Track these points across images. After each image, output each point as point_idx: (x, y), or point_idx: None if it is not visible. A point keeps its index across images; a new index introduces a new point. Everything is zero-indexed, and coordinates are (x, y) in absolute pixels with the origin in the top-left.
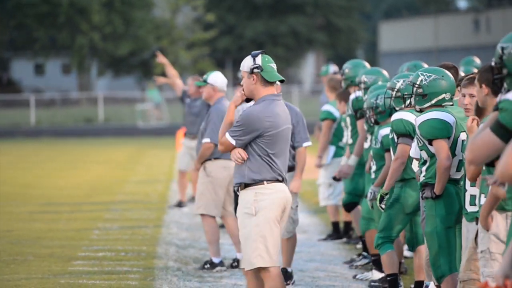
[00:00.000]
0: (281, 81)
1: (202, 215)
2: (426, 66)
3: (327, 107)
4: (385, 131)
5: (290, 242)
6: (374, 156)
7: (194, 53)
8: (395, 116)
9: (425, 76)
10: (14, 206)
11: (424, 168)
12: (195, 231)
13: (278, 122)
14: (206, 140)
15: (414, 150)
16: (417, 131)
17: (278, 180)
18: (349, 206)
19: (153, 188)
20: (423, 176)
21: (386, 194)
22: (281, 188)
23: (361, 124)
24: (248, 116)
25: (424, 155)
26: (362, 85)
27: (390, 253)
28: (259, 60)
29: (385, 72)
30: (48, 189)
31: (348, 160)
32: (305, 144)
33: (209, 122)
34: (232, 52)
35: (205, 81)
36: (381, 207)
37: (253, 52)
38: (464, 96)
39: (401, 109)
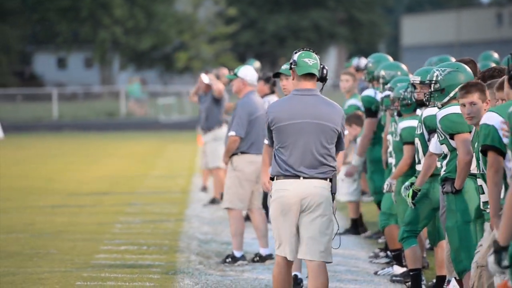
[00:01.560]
0: (321, 79)
1: (228, 209)
2: (453, 60)
3: (353, 101)
4: (404, 123)
5: None
6: (394, 149)
7: (216, 47)
8: (428, 112)
9: (440, 71)
10: (36, 199)
11: (444, 162)
12: (216, 225)
13: (285, 116)
14: (232, 133)
15: (434, 145)
16: (438, 125)
17: (286, 176)
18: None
19: (175, 182)
20: (444, 171)
21: (419, 190)
22: (285, 186)
23: (368, 123)
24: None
25: (445, 149)
26: (381, 80)
27: (414, 247)
28: (296, 56)
29: (404, 67)
30: (70, 183)
31: (352, 161)
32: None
33: (235, 115)
34: (254, 46)
35: (235, 74)
36: (413, 203)
37: (296, 50)
38: (464, 105)
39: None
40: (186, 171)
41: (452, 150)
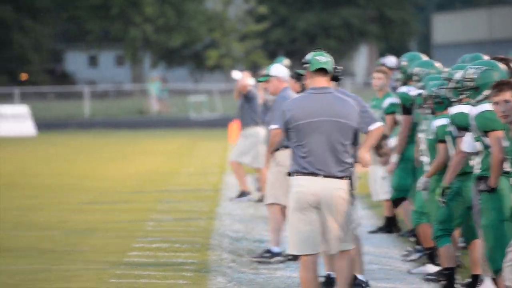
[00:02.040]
0: (335, 79)
1: (270, 204)
2: (486, 58)
3: (391, 99)
4: (439, 121)
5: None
6: (428, 147)
7: (247, 45)
8: (457, 110)
9: (475, 68)
10: (69, 197)
11: (478, 160)
12: (248, 223)
13: (302, 114)
14: (274, 126)
15: (467, 144)
16: (473, 123)
17: (304, 173)
18: (397, 202)
19: (206, 180)
20: (478, 169)
21: (448, 187)
22: (303, 182)
23: (405, 120)
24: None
25: (479, 147)
26: (415, 78)
27: (448, 246)
28: (308, 56)
29: (438, 64)
30: (102, 181)
31: (391, 158)
32: (370, 127)
33: (274, 109)
34: (284, 44)
35: (267, 75)
36: (443, 201)
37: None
38: (497, 104)
39: (458, 103)
40: (217, 168)
41: (486, 148)
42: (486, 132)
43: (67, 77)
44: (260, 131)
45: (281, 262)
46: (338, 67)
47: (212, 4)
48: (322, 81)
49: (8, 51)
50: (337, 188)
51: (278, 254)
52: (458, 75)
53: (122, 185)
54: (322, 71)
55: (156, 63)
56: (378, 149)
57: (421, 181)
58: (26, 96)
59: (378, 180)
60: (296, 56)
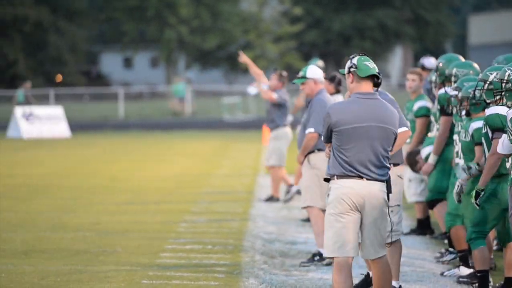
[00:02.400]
0: (377, 78)
1: (308, 207)
2: None
3: (422, 103)
4: (477, 124)
5: (391, 250)
6: (463, 149)
7: (281, 47)
8: (491, 111)
9: (511, 70)
10: (103, 198)
11: None
12: (281, 225)
13: (349, 118)
14: (310, 129)
15: (502, 146)
16: (509, 124)
17: (349, 176)
18: (432, 203)
19: (239, 182)
20: None
21: (482, 190)
22: (349, 184)
23: (444, 121)
24: (324, 111)
25: None
26: (453, 78)
27: (482, 249)
28: (355, 60)
29: (476, 66)
30: (135, 182)
31: (429, 159)
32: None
33: (312, 112)
34: (319, 45)
35: (304, 77)
36: (477, 204)
37: (351, 55)
38: None
39: (494, 104)
40: (251, 170)
41: None
42: None
43: (102, 79)
44: (288, 131)
45: (314, 264)
46: (380, 73)
47: (247, 5)
48: (368, 87)
49: (44, 53)
50: (381, 190)
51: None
52: (493, 76)
53: (156, 187)
54: (371, 77)
55: (191, 64)
56: (413, 165)
57: (458, 183)
58: (61, 97)
59: (406, 182)
60: (330, 58)
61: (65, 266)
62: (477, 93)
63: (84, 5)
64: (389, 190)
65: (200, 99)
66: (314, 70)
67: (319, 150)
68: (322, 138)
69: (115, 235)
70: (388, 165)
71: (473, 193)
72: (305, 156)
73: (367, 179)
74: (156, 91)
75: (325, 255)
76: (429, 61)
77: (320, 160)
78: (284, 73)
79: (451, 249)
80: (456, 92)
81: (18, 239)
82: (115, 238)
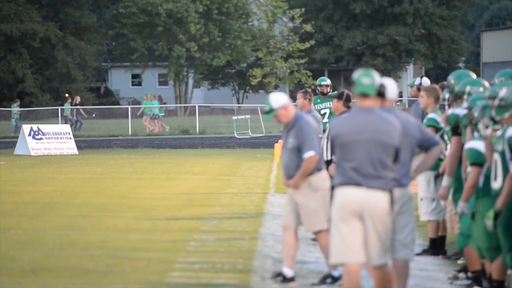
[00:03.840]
0: (381, 94)
1: (318, 232)
2: None
3: (432, 115)
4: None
5: (396, 269)
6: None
7: (291, 64)
8: (511, 132)
9: None
10: (111, 216)
11: None
12: None
13: (348, 131)
14: (310, 153)
15: None
16: None
17: (349, 184)
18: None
19: (250, 200)
20: None
21: (501, 211)
22: (349, 192)
23: (455, 141)
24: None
25: None
26: (465, 96)
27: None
28: (355, 75)
29: (486, 83)
30: (144, 200)
31: (443, 182)
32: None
33: (303, 135)
34: (329, 62)
35: (271, 110)
36: (494, 226)
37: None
38: None
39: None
40: (261, 188)
41: None
42: None
43: (111, 96)
44: None
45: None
46: (383, 85)
47: (257, 22)
48: (367, 101)
49: (52, 69)
50: (379, 198)
51: (339, 278)
52: (502, 92)
53: (165, 205)
54: (364, 94)
55: (200, 82)
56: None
57: (460, 205)
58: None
59: (418, 201)
60: (341, 75)
61: (73, 285)
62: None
63: (93, 21)
64: (393, 201)
65: (210, 116)
66: (277, 98)
67: (318, 170)
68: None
69: (124, 253)
70: (389, 176)
71: (491, 214)
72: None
73: (367, 187)
74: (165, 108)
75: (332, 261)
76: (425, 81)
77: (322, 180)
78: (309, 90)
79: (470, 274)
80: (466, 111)
81: (26, 258)
82: (124, 256)
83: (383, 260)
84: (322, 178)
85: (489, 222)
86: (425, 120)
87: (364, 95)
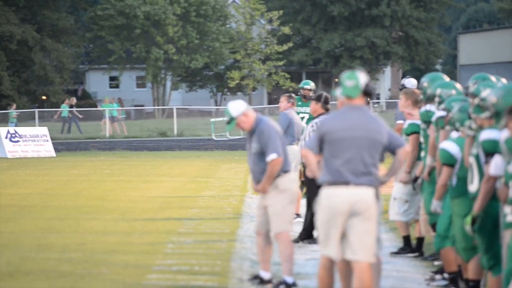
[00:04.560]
0: (368, 94)
1: (279, 233)
2: (493, 79)
3: (414, 121)
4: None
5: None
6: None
7: (269, 66)
8: (486, 135)
9: (495, 93)
10: (89, 219)
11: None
12: None
13: (338, 127)
14: (273, 156)
15: (495, 167)
16: (503, 146)
17: (337, 183)
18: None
19: (227, 202)
20: None
21: (478, 216)
22: (337, 192)
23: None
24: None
25: None
26: (437, 99)
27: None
28: (342, 76)
29: (459, 85)
30: (121, 202)
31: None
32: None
33: (265, 139)
34: (307, 64)
35: (232, 119)
36: (473, 230)
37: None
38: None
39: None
40: (239, 190)
41: None
42: None
43: (88, 98)
44: (296, 149)
45: None
46: (370, 84)
47: (235, 25)
48: (354, 101)
49: (30, 72)
50: (367, 194)
51: (293, 285)
52: (485, 93)
53: (143, 207)
54: (348, 97)
55: (178, 84)
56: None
57: (433, 203)
58: (47, 117)
59: (391, 200)
60: (319, 77)
61: None
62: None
63: (70, 24)
64: (377, 196)
65: (188, 119)
66: (234, 106)
67: (285, 172)
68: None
69: (101, 256)
70: (376, 173)
71: (468, 219)
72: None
73: (354, 185)
74: (143, 110)
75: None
76: (410, 82)
77: (289, 181)
78: (293, 95)
79: (446, 275)
80: (444, 113)
81: (3, 260)
82: (101, 259)
83: (358, 255)
84: (289, 179)
85: (467, 228)
86: (405, 127)
87: (349, 98)
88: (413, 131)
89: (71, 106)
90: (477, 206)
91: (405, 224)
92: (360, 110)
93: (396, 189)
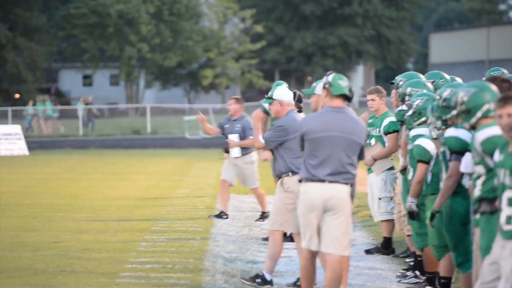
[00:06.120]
0: (347, 98)
1: (273, 230)
2: (447, 77)
3: (392, 118)
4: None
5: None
6: (412, 165)
7: (243, 64)
8: (450, 133)
9: (465, 91)
10: (62, 217)
11: (479, 182)
12: (242, 244)
13: (317, 128)
14: (261, 139)
15: (465, 164)
16: (478, 147)
17: (313, 180)
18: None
19: (201, 200)
20: (479, 191)
21: (438, 211)
22: (312, 188)
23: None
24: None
25: (481, 170)
26: (407, 98)
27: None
28: (330, 77)
29: (429, 84)
30: (95, 201)
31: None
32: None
33: (275, 127)
34: (280, 63)
35: (270, 97)
36: (432, 225)
37: (328, 72)
38: (501, 117)
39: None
40: (213, 188)
41: (490, 170)
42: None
43: (61, 97)
44: (255, 155)
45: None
46: (351, 89)
47: (208, 23)
48: (338, 102)
49: (2, 70)
50: (341, 191)
51: (269, 282)
52: (445, 94)
53: (116, 205)
54: (342, 95)
55: (151, 82)
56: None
57: (408, 200)
58: (20, 115)
59: (375, 200)
60: (292, 76)
61: (24, 286)
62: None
63: (43, 22)
64: (352, 194)
65: (161, 117)
66: (281, 92)
67: (293, 173)
68: (272, 142)
69: (75, 254)
70: (353, 171)
71: (428, 214)
72: (279, 179)
73: (329, 182)
74: (116, 109)
75: (302, 245)
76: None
77: (294, 183)
78: (239, 97)
79: (417, 272)
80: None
81: None
82: (75, 257)
83: (331, 249)
84: (295, 181)
85: (427, 222)
86: (385, 125)
87: (344, 96)
88: (395, 129)
89: (86, 104)
90: (437, 202)
91: (391, 225)
92: (340, 111)
93: (378, 188)
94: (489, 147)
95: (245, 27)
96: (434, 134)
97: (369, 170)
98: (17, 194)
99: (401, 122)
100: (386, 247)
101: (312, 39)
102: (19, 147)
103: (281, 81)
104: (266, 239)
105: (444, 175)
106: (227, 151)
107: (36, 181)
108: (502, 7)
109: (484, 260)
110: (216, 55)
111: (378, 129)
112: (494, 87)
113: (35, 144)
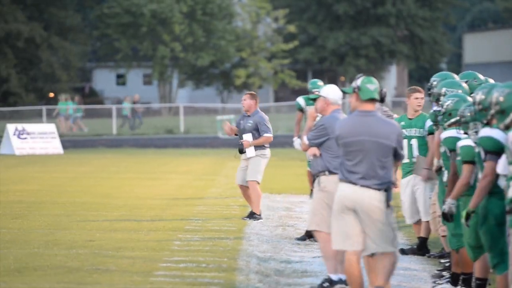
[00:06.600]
0: (380, 100)
1: (315, 231)
2: (481, 77)
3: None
4: (463, 142)
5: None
6: (445, 165)
7: (275, 64)
8: (484, 133)
9: (500, 92)
10: (96, 215)
11: None
12: (275, 244)
13: (347, 132)
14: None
15: (502, 166)
16: (510, 146)
17: (346, 181)
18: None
19: (234, 200)
20: None
21: (473, 211)
22: (345, 188)
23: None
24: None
25: None
26: (442, 98)
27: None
28: (359, 81)
29: (465, 85)
30: (129, 199)
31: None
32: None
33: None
34: (313, 63)
35: (313, 94)
36: (467, 225)
37: (357, 75)
38: None
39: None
40: None
41: None
42: None
43: (95, 96)
44: (269, 152)
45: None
46: (383, 90)
47: (241, 23)
48: (368, 106)
49: (37, 69)
50: (371, 198)
51: (338, 282)
52: (478, 97)
53: (149, 204)
54: (372, 99)
55: (184, 82)
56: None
57: (448, 201)
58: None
59: (407, 202)
60: (324, 76)
61: (58, 284)
62: (466, 112)
63: (77, 22)
64: (388, 198)
65: (194, 116)
66: (328, 89)
67: (330, 172)
68: (314, 142)
69: (109, 252)
70: (386, 176)
71: (463, 214)
72: (316, 177)
73: (360, 186)
74: (150, 108)
75: (333, 247)
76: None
77: (330, 182)
78: (254, 92)
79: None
80: (438, 108)
81: (11, 256)
82: (109, 255)
83: (381, 249)
84: (332, 181)
85: (462, 221)
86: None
87: (372, 100)
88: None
89: (134, 103)
90: (472, 202)
91: (427, 225)
92: (370, 115)
93: (418, 192)
94: None
95: (278, 27)
96: (474, 138)
97: (404, 172)
98: (51, 193)
99: (435, 123)
100: (421, 248)
101: (345, 39)
102: (54, 146)
103: (316, 79)
104: (299, 239)
105: (480, 176)
106: (242, 152)
107: (69, 179)
108: None
109: None
110: (249, 55)
111: (419, 129)
112: None
113: (69, 143)
